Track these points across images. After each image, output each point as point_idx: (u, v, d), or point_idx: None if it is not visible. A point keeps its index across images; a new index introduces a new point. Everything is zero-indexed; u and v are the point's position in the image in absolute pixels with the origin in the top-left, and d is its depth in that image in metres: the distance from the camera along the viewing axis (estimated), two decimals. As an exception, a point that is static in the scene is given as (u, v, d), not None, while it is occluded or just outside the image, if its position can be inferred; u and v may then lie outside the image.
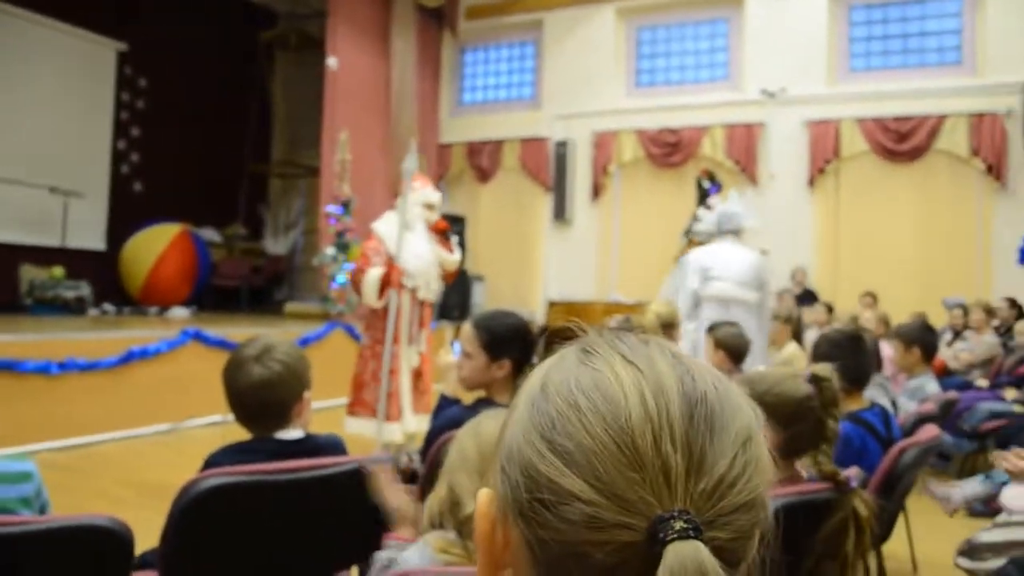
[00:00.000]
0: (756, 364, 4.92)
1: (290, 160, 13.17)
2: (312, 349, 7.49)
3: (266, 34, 12.76)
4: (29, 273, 9.08)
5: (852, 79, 9.87)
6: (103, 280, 10.03)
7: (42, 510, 1.87)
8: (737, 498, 0.52)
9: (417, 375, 5.13)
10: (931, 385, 4.25)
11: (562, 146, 11.15)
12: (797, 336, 5.78)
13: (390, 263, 4.86)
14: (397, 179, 5.51)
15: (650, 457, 0.51)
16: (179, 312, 9.69)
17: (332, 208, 9.41)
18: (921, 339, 4.36)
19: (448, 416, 2.55)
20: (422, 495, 2.04)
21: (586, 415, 0.53)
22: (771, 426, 1.91)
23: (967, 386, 6.38)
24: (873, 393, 3.29)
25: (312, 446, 2.06)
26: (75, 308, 9.01)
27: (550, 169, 11.30)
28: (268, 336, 2.10)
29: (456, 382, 2.69)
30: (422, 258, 5.03)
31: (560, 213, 11.22)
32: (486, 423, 1.61)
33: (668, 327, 4.39)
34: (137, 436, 6.16)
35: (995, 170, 8.84)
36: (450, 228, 5.32)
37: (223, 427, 6.39)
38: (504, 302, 10.66)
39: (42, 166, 9.52)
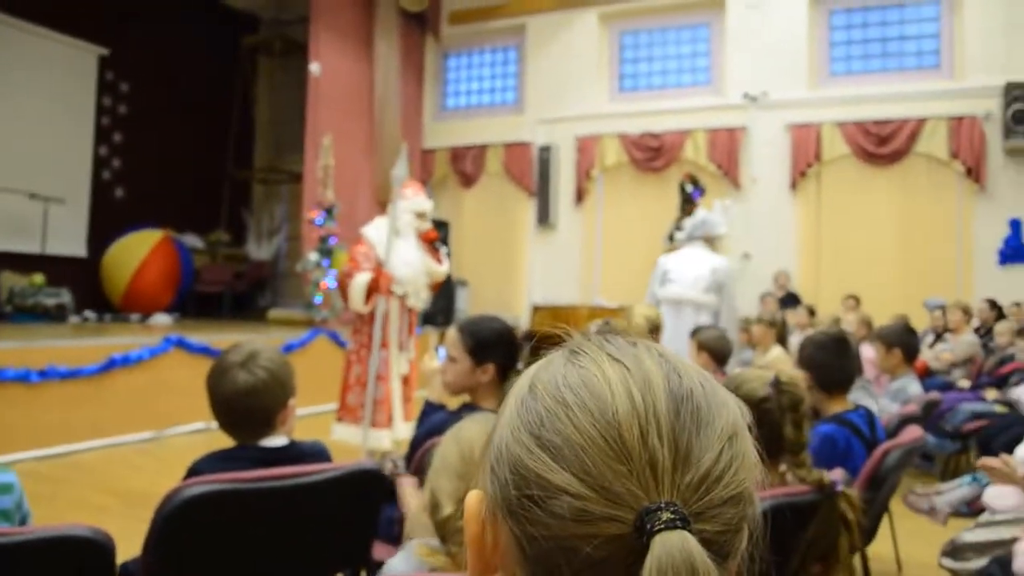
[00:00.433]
0: None
1: (273, 165, 13.14)
2: (296, 355, 7.47)
3: (249, 39, 12.75)
4: (9, 280, 9.01)
5: (833, 83, 9.94)
6: (84, 287, 9.96)
7: (23, 521, 1.84)
8: (724, 491, 0.52)
9: (405, 382, 5.13)
10: (913, 386, 4.28)
11: (545, 151, 11.17)
12: (782, 339, 5.82)
13: (378, 269, 4.85)
14: (381, 184, 5.50)
15: (637, 450, 0.51)
16: (161, 319, 9.63)
17: (315, 214, 9.39)
18: (902, 341, 4.39)
19: (433, 422, 2.55)
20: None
21: (574, 410, 0.54)
22: None
23: (949, 387, 6.43)
24: (856, 396, 3.30)
25: (296, 453, 2.04)
26: (56, 315, 8.94)
27: (533, 174, 11.31)
28: (252, 342, 2.09)
29: (441, 387, 2.69)
30: (411, 266, 5.01)
31: (544, 218, 11.23)
32: (468, 427, 1.61)
33: (654, 330, 4.41)
34: (119, 444, 6.11)
35: (974, 172, 8.92)
36: (440, 238, 5.30)
37: (206, 434, 6.38)
38: (488, 307, 10.66)
39: (22, 172, 9.44)
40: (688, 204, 9.74)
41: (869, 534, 2.70)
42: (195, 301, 11.32)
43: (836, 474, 2.08)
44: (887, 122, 9.37)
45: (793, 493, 1.90)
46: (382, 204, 5.71)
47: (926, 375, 6.69)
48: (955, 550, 2.85)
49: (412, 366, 5.13)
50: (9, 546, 1.47)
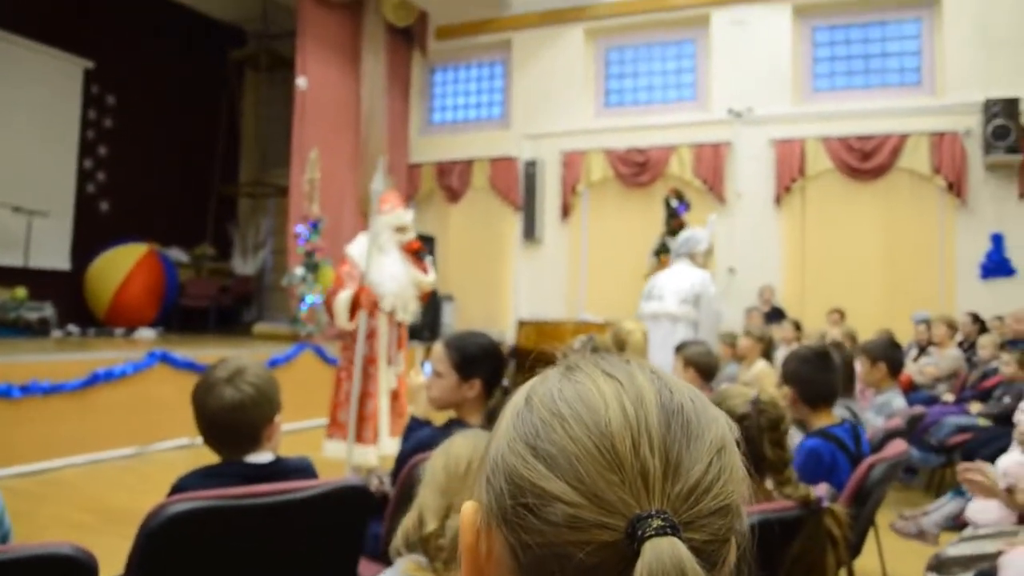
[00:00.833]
0: None
1: (259, 179, 13.12)
2: (281, 370, 7.43)
3: (236, 53, 12.75)
4: (-9, 294, 8.95)
5: (816, 99, 10.02)
6: (67, 301, 9.89)
7: (4, 539, 1.82)
8: (712, 502, 0.54)
9: (395, 397, 5.10)
10: (898, 400, 4.30)
11: (531, 166, 11.19)
12: (767, 354, 5.87)
13: (360, 285, 4.86)
14: (367, 198, 5.50)
15: (629, 460, 0.53)
16: (146, 333, 9.57)
17: (301, 228, 9.37)
18: (886, 355, 4.41)
19: (419, 438, 2.54)
20: (393, 518, 2.03)
21: (569, 422, 0.56)
22: None
23: (933, 400, 6.47)
24: (840, 413, 3.31)
25: (282, 469, 2.03)
26: (38, 330, 8.87)
27: (519, 189, 11.33)
28: (238, 358, 2.08)
29: (426, 403, 2.68)
30: (397, 280, 5.01)
31: (530, 232, 11.25)
32: (458, 442, 1.61)
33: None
34: (102, 460, 6.06)
35: (956, 187, 9.01)
36: (423, 248, 5.29)
37: (191, 450, 6.34)
38: (474, 322, 10.66)
39: (5, 185, 9.40)
40: (673, 219, 9.78)
41: (855, 549, 2.71)
42: (180, 315, 11.26)
43: (821, 489, 2.09)
44: (870, 137, 9.45)
45: (779, 508, 1.91)
46: (368, 218, 5.70)
47: (911, 389, 6.73)
48: (940, 564, 2.86)
49: (401, 381, 5.10)
50: (-10, 565, 1.45)
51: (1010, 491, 3.07)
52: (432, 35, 12.18)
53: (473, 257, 11.66)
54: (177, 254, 11.68)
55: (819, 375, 2.86)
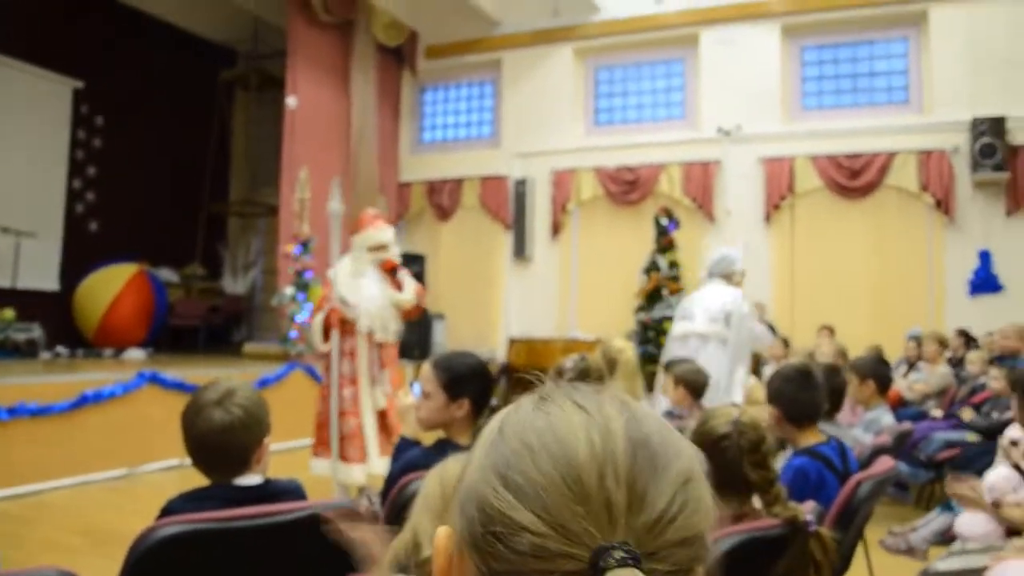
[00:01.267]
0: (720, 396, 5.04)
1: (249, 199, 13.12)
2: (271, 390, 7.42)
3: (226, 73, 12.78)
4: (-21, 315, 8.90)
5: (805, 117, 10.10)
6: (56, 322, 9.85)
7: (-8, 564, 1.82)
8: (676, 534, 0.56)
9: (383, 416, 5.09)
10: (887, 417, 4.32)
11: (521, 184, 11.23)
12: (756, 370, 5.90)
13: (332, 307, 4.88)
14: (356, 219, 5.49)
15: (594, 492, 0.55)
16: (135, 354, 9.53)
17: (291, 247, 9.37)
18: (875, 372, 4.44)
19: (408, 458, 2.54)
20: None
21: (537, 454, 0.58)
22: None
23: (923, 416, 6.49)
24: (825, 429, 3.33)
25: (272, 491, 2.03)
26: (26, 351, 8.82)
27: (510, 207, 11.36)
28: (228, 380, 2.09)
29: (415, 423, 2.69)
30: (374, 301, 5.02)
31: (520, 251, 11.27)
32: (452, 466, 1.61)
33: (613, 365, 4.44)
34: (91, 482, 6.03)
35: (943, 205, 9.08)
36: (398, 266, 5.25)
37: (180, 471, 6.32)
38: (465, 340, 10.66)
39: (-7, 206, 9.37)
40: (663, 237, 9.82)
41: (845, 563, 2.72)
42: (169, 335, 11.22)
43: (809, 506, 2.10)
44: (858, 155, 9.52)
45: (764, 527, 1.92)
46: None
47: (900, 405, 6.76)
48: (929, 580, 2.87)
49: (390, 400, 5.09)
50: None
51: (997, 505, 3.09)
52: (422, 54, 12.24)
53: (463, 275, 11.67)
54: (167, 274, 11.65)
55: (802, 394, 2.87)
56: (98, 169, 11.13)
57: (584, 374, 3.37)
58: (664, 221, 9.86)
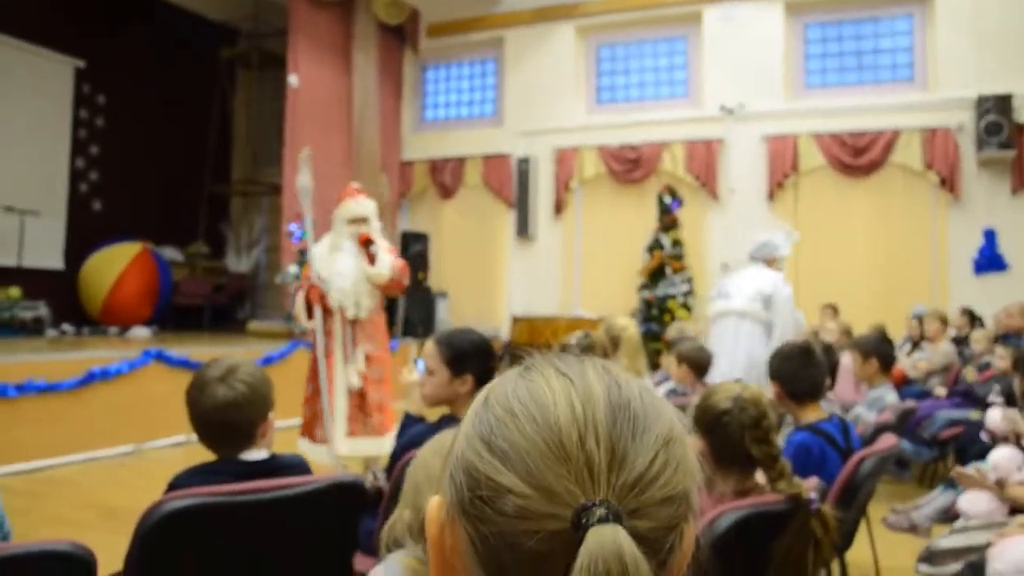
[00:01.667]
0: (762, 376, 5.03)
1: (252, 178, 13.10)
2: (275, 368, 7.44)
3: (227, 51, 12.71)
4: (-16, 294, 8.94)
5: (809, 95, 10.05)
6: (61, 300, 9.89)
7: (4, 539, 1.84)
8: (659, 492, 0.57)
9: (361, 396, 4.92)
10: (890, 395, 4.32)
11: (524, 163, 11.20)
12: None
13: (312, 284, 4.83)
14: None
15: (575, 453, 0.56)
16: (140, 332, 9.57)
17: (294, 226, 9.37)
18: (878, 350, 4.44)
19: (413, 434, 2.56)
20: (386, 514, 2.04)
21: (520, 419, 0.59)
22: (697, 432, 2.04)
23: (926, 395, 6.50)
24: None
25: (277, 466, 2.05)
26: (33, 329, 8.87)
27: (513, 185, 11.34)
28: (232, 357, 2.10)
29: (420, 400, 2.70)
30: (346, 276, 4.87)
31: (523, 229, 11.26)
32: (449, 440, 1.62)
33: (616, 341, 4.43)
34: (98, 459, 6.07)
35: (948, 183, 9.04)
36: (372, 239, 5.00)
37: (186, 448, 6.36)
38: (468, 318, 10.67)
39: (-3, 185, 9.38)
40: (666, 215, 9.81)
41: (847, 540, 2.74)
42: (174, 314, 11.26)
43: (812, 482, 2.11)
44: (862, 133, 9.48)
45: (764, 503, 1.93)
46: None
47: (903, 383, 6.77)
48: (931, 556, 2.89)
49: (367, 379, 4.91)
50: (-11, 562, 1.47)
51: (1001, 484, 3.11)
52: (423, 33, 12.18)
53: (467, 254, 11.67)
54: (171, 253, 11.67)
55: (802, 371, 2.89)
56: (100, 148, 11.12)
57: (588, 350, 3.38)
58: (667, 199, 9.85)
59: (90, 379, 6.09)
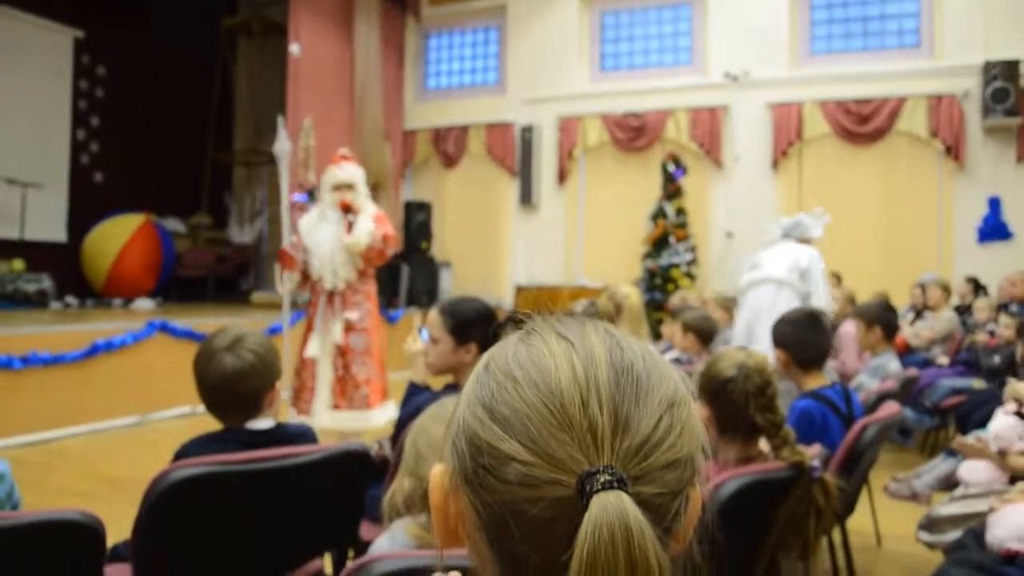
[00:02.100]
0: None
1: (254, 147, 13.04)
2: (281, 338, 7.45)
3: (228, 20, 12.61)
4: (-12, 267, 8.95)
5: (813, 62, 9.96)
6: (65, 272, 9.90)
7: (14, 509, 1.86)
8: (663, 456, 0.56)
9: (345, 368, 4.82)
10: (893, 363, 4.34)
11: (527, 131, 11.15)
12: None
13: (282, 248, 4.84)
14: (362, 165, 5.35)
15: (578, 419, 0.55)
16: (144, 304, 9.59)
17: (297, 196, 9.34)
18: (881, 318, 4.45)
19: (417, 403, 2.57)
20: (391, 482, 2.06)
21: (521, 384, 0.58)
22: (701, 400, 2.04)
23: (928, 363, 6.52)
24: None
25: (283, 435, 2.07)
26: (37, 301, 8.88)
27: (516, 154, 11.30)
28: (238, 326, 2.11)
29: (424, 368, 2.71)
30: (322, 246, 4.80)
31: (527, 198, 11.23)
32: (450, 408, 1.63)
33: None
34: (104, 430, 6.12)
35: (954, 151, 8.98)
36: (351, 206, 4.88)
37: (191, 419, 6.40)
38: (472, 288, 10.68)
39: (-1, 157, 9.36)
40: (670, 184, 9.76)
41: (849, 508, 2.76)
42: (178, 285, 11.27)
43: (815, 449, 2.12)
44: (867, 101, 9.41)
45: (767, 470, 1.94)
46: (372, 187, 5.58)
47: (906, 352, 6.78)
48: (931, 523, 2.91)
49: (348, 350, 4.82)
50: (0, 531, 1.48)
51: (1003, 453, 3.12)
52: (426, 0, 12.07)
53: (470, 223, 11.65)
54: (173, 224, 11.66)
55: (809, 336, 2.89)
56: (101, 119, 11.08)
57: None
58: (671, 167, 9.80)
59: (94, 351, 6.11)
